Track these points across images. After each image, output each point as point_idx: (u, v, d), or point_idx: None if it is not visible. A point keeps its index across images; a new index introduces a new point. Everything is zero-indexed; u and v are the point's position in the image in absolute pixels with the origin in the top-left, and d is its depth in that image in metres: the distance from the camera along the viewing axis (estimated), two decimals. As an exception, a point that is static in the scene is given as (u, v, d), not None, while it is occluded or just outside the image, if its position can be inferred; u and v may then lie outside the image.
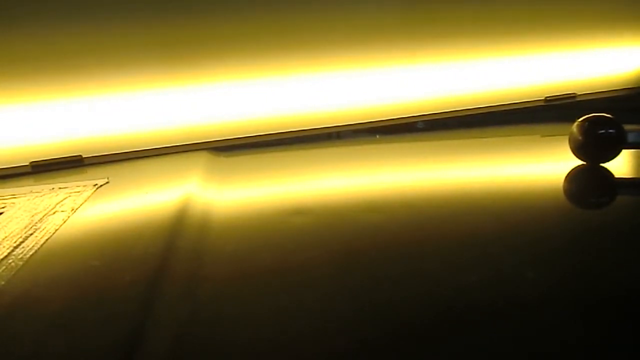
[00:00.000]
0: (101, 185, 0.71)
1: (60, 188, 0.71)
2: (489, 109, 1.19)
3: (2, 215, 0.61)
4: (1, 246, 0.51)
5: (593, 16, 1.26)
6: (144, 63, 0.91)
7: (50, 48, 0.85)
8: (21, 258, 0.48)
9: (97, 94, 0.89)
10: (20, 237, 0.53)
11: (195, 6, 0.92)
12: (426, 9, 1.10)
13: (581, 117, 0.64)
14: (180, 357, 0.33)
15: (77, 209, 0.61)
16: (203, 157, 0.89)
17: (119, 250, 0.50)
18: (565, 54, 1.26)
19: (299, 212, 0.59)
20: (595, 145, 0.63)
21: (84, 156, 0.90)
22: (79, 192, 0.68)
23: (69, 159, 0.89)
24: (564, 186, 0.63)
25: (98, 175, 0.76)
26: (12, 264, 0.46)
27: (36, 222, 0.57)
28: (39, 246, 0.50)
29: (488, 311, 0.36)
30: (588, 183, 0.65)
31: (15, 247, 0.50)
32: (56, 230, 0.54)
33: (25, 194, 0.69)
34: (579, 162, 0.65)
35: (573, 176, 0.64)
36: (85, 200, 0.64)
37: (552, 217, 0.54)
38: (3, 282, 0.43)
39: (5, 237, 0.53)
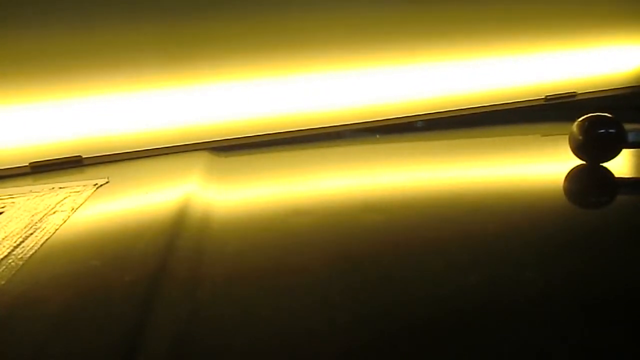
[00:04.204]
0: (101, 185, 0.71)
1: (60, 188, 0.71)
2: (489, 108, 1.19)
3: (2, 215, 0.61)
4: (1, 246, 0.51)
5: (593, 15, 1.26)
6: (144, 63, 0.91)
7: (50, 48, 0.85)
8: (21, 258, 0.48)
9: (97, 94, 0.89)
10: (20, 236, 0.53)
11: (195, 6, 0.92)
12: (426, 8, 1.10)
13: (581, 116, 0.64)
14: (180, 357, 0.33)
15: (77, 208, 0.61)
16: (203, 157, 0.89)
17: (119, 250, 0.50)
18: (565, 53, 1.26)
19: (299, 212, 0.59)
20: (595, 145, 0.63)
21: (83, 156, 0.90)
22: (78, 192, 0.68)
23: (68, 159, 0.89)
24: (564, 186, 0.63)
25: (98, 175, 0.76)
26: (12, 263, 0.46)
27: (36, 222, 0.57)
28: (39, 246, 0.50)
29: (488, 311, 0.36)
30: (588, 183, 0.65)
31: (15, 247, 0.50)
32: (56, 230, 0.54)
33: (25, 193, 0.69)
34: (579, 162, 0.65)
35: (573, 176, 0.64)
36: (85, 200, 0.64)
37: (552, 217, 0.54)
38: (3, 282, 0.43)
39: (5, 236, 0.53)
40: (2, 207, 0.64)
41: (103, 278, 0.44)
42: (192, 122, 0.97)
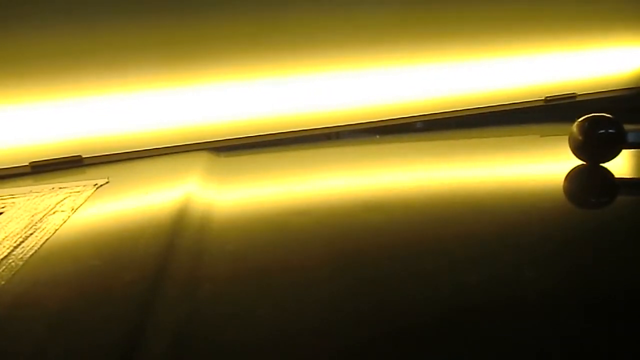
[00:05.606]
0: (101, 185, 0.71)
1: (60, 188, 0.71)
2: (489, 109, 1.19)
3: (2, 215, 0.61)
4: (1, 246, 0.51)
5: (593, 16, 1.26)
6: (143, 63, 0.91)
7: (50, 48, 0.85)
8: (21, 258, 0.48)
9: (97, 94, 0.90)
10: (20, 237, 0.53)
11: (195, 6, 0.92)
12: (426, 9, 1.10)
13: (581, 117, 0.64)
14: (180, 357, 0.33)
15: (77, 208, 0.61)
16: (203, 157, 0.89)
17: (119, 250, 0.50)
18: (565, 54, 1.26)
19: (299, 212, 0.59)
20: (595, 145, 0.63)
21: (83, 156, 0.90)
22: (79, 192, 0.68)
23: (68, 159, 0.89)
24: (564, 186, 0.63)
25: (98, 175, 0.76)
26: (12, 263, 0.46)
27: (36, 222, 0.57)
28: (39, 246, 0.50)
29: (488, 311, 0.36)
30: (588, 183, 0.65)
31: (15, 247, 0.50)
32: (56, 230, 0.54)
33: (25, 194, 0.69)
34: (579, 162, 0.65)
35: (573, 176, 0.64)
36: (85, 200, 0.64)
37: (552, 217, 0.54)
38: (3, 282, 0.43)
39: (5, 237, 0.53)
40: (2, 207, 0.64)
41: (103, 278, 0.44)
42: (192, 122, 0.97)
